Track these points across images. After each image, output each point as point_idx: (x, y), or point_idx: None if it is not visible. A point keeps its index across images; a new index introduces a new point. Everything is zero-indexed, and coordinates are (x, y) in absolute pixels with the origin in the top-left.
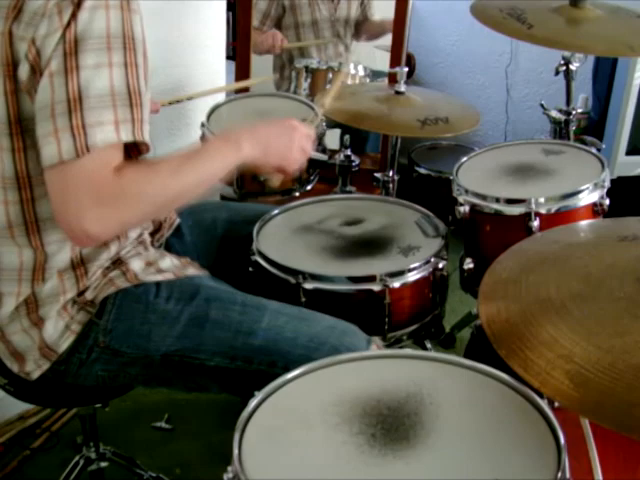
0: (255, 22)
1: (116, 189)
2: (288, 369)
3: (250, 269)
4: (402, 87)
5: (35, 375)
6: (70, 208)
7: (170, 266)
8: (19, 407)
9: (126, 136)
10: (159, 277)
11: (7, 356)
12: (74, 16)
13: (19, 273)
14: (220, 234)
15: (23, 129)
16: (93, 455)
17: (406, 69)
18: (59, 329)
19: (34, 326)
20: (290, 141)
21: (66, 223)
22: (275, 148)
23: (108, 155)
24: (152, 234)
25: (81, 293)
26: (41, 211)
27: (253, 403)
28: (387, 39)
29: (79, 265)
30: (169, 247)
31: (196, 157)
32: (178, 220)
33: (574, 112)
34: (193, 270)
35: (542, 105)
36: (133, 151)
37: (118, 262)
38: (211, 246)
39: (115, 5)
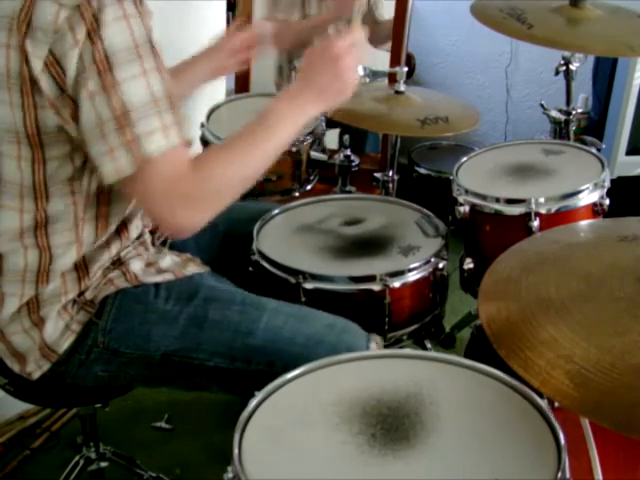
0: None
1: (198, 181)
2: (287, 368)
3: (250, 269)
4: (402, 87)
5: (36, 375)
6: (159, 212)
7: (170, 265)
8: (19, 407)
9: (175, 138)
10: (159, 278)
11: (8, 356)
12: (96, 32)
13: (23, 274)
14: (222, 232)
15: (42, 142)
16: (93, 455)
17: (406, 69)
18: (59, 329)
19: (35, 326)
20: (340, 76)
21: (163, 222)
22: (333, 91)
23: (173, 155)
24: (152, 232)
25: (81, 293)
26: (52, 216)
27: (253, 403)
28: None
29: (81, 266)
30: (170, 245)
31: (266, 128)
32: None
33: (574, 112)
34: (194, 267)
35: (542, 105)
36: None
37: (118, 262)
38: (213, 244)
39: (133, 13)
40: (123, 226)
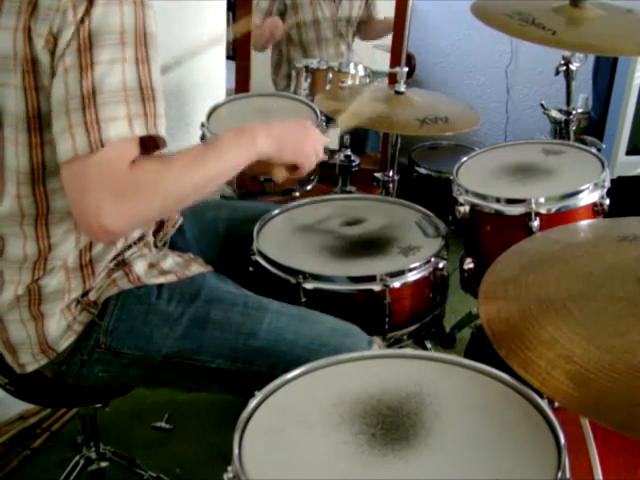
0: (257, 21)
1: (131, 183)
2: (289, 370)
3: (250, 269)
4: (402, 87)
5: (30, 368)
6: (87, 203)
7: (173, 266)
8: (19, 407)
9: (139, 130)
10: (161, 279)
11: (0, 345)
12: (87, 12)
13: (21, 261)
14: (222, 233)
15: (42, 124)
16: (93, 455)
17: (406, 69)
18: (61, 328)
19: (32, 319)
20: (304, 139)
21: (84, 218)
22: (289, 144)
23: (123, 149)
24: (155, 234)
25: (85, 294)
26: (54, 205)
27: (253, 403)
28: (387, 39)
29: (87, 264)
30: (172, 246)
31: (211, 151)
32: (181, 219)
33: (574, 112)
34: (197, 267)
35: (542, 105)
36: (150, 146)
37: (122, 263)
38: (213, 245)
39: (129, 0)
40: None
